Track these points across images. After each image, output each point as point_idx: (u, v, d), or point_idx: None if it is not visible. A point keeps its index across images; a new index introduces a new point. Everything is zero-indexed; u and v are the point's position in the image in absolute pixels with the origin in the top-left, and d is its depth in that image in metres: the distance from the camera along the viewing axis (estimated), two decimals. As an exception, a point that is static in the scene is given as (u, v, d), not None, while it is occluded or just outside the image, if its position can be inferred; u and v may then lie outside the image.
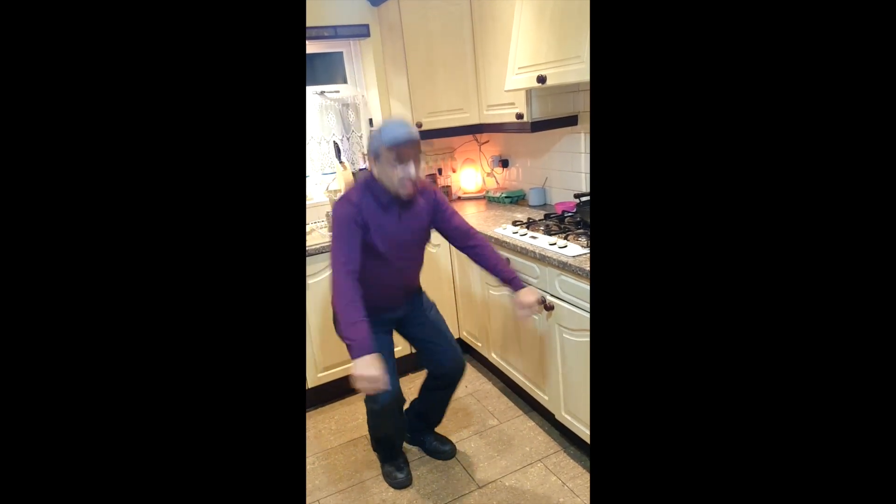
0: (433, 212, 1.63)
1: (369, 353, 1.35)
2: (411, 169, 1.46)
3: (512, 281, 1.62)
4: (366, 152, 1.48)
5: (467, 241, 1.66)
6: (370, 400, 1.65)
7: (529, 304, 1.57)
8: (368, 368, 1.33)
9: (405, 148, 1.43)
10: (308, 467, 1.97)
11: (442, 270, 2.48)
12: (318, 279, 2.22)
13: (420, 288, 1.80)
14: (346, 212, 1.47)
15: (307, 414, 2.32)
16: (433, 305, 1.82)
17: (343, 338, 1.42)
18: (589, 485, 1.71)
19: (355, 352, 1.35)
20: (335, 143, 2.72)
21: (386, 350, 1.68)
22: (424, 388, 1.89)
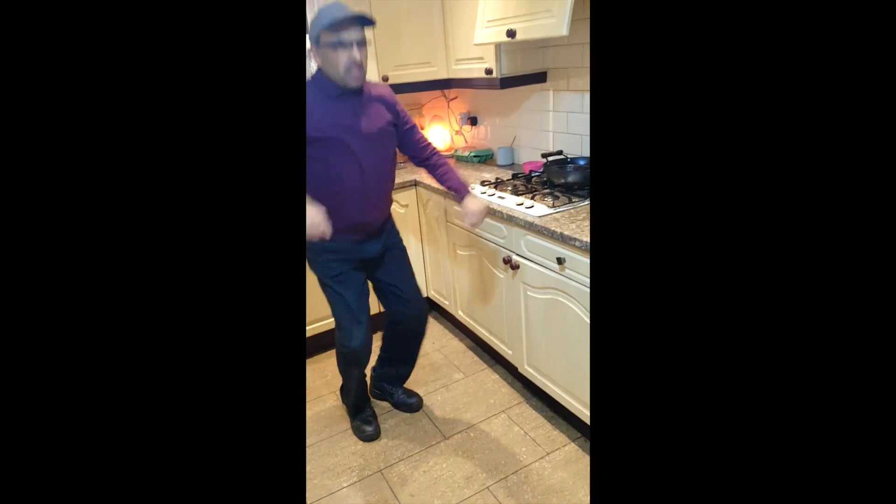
0: (394, 118, 1.58)
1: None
2: (356, 53, 1.36)
3: (457, 189, 1.67)
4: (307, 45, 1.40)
5: (424, 155, 1.69)
6: (341, 343, 1.67)
7: (474, 210, 1.61)
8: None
9: (346, 29, 1.33)
10: (277, 423, 2.00)
11: (410, 231, 2.47)
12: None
13: (392, 221, 1.76)
14: None
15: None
16: (405, 251, 1.79)
17: None
18: (549, 434, 1.80)
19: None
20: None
21: (359, 288, 1.65)
22: (387, 337, 1.92)
